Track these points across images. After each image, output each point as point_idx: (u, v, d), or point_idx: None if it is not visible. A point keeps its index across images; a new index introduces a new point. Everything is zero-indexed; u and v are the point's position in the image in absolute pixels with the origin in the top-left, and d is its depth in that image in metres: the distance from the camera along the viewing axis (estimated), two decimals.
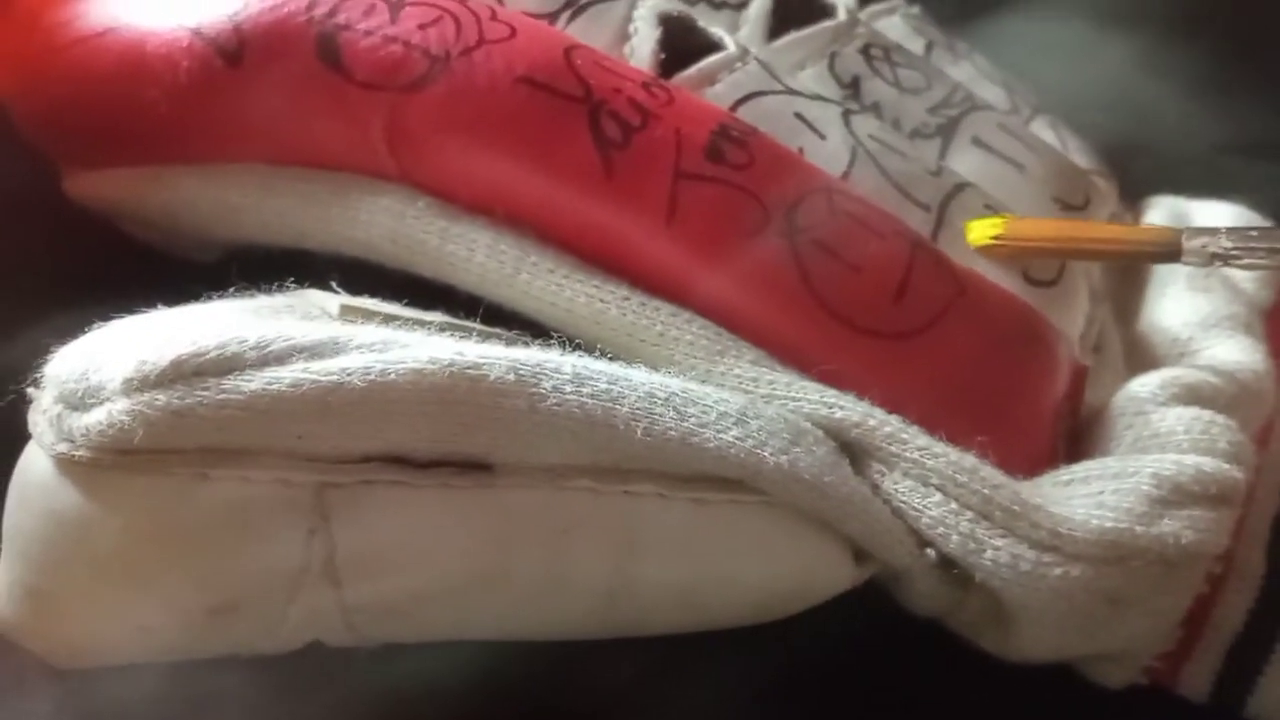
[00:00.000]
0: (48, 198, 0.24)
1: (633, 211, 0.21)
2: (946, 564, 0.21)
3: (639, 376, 0.20)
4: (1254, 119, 0.34)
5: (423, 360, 0.18)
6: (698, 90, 0.23)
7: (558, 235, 0.21)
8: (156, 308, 0.19)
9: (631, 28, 0.24)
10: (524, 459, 0.19)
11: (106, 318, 0.19)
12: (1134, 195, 0.30)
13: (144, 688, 0.19)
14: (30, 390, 0.19)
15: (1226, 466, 0.21)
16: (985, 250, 0.23)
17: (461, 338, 0.20)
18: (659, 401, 0.19)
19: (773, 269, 0.21)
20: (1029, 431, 0.22)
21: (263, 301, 0.20)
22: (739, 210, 0.21)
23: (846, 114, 0.24)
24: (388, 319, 0.20)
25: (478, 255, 0.22)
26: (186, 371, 0.17)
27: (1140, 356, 0.25)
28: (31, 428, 0.18)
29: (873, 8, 0.29)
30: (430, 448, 0.18)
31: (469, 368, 0.18)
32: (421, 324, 0.20)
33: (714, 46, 0.24)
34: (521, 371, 0.19)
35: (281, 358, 0.18)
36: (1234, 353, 0.24)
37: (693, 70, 0.24)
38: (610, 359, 0.20)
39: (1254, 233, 0.23)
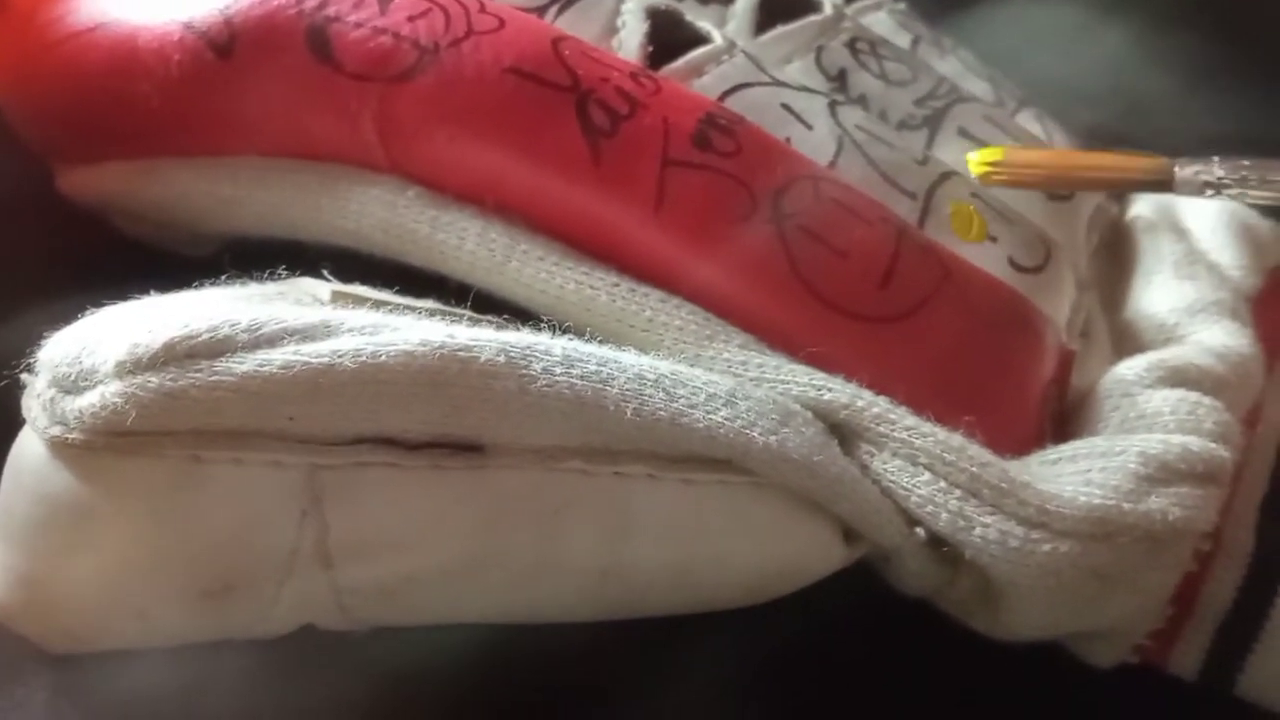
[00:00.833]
0: (42, 190, 0.24)
1: (621, 199, 0.21)
2: (936, 543, 0.21)
3: (629, 359, 0.20)
4: (1242, 111, 0.34)
5: (414, 342, 0.18)
6: (685, 82, 0.24)
7: (547, 223, 0.22)
8: (150, 296, 0.19)
9: (619, 21, 0.24)
10: (515, 440, 0.19)
11: (100, 305, 0.19)
12: None
13: (139, 672, 0.19)
14: (24, 376, 0.19)
15: (1213, 446, 0.21)
16: (984, 178, 0.23)
17: (452, 323, 0.20)
18: (648, 383, 0.19)
19: (760, 255, 0.21)
20: (1016, 413, 0.22)
21: (254, 289, 0.20)
22: (727, 197, 0.21)
23: (833, 105, 0.25)
24: (378, 305, 0.20)
25: (468, 244, 0.22)
26: (179, 354, 0.17)
27: (1127, 342, 0.25)
28: (25, 412, 0.18)
29: (859, 3, 0.30)
30: (422, 429, 0.19)
31: (460, 350, 0.18)
32: (412, 310, 0.20)
33: (701, 40, 0.25)
34: (512, 353, 0.19)
35: (273, 340, 0.18)
36: (1220, 337, 0.24)
37: (680, 62, 0.24)
38: (600, 344, 0.21)
39: (1246, 163, 0.23)
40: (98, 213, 0.25)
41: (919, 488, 0.20)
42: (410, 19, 0.22)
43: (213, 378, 0.17)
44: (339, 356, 0.18)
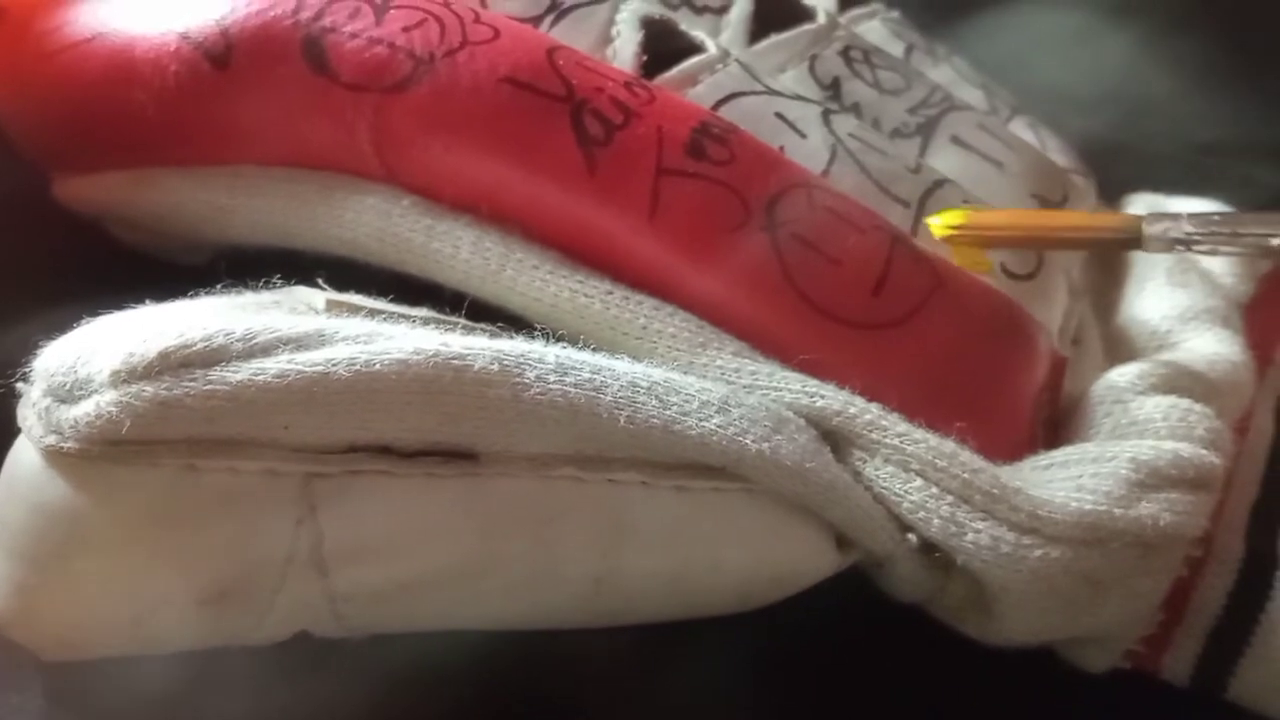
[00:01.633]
0: (38, 199, 0.24)
1: (615, 207, 0.21)
2: (928, 549, 0.21)
3: (622, 366, 0.20)
4: (1235, 118, 0.34)
5: (407, 351, 0.18)
6: (679, 91, 0.24)
7: (541, 232, 0.22)
8: (145, 305, 0.20)
9: (614, 31, 0.25)
10: (508, 448, 0.19)
11: (96, 314, 0.19)
12: (1114, 194, 0.30)
13: (134, 679, 0.19)
14: (19, 385, 0.19)
15: (1204, 452, 0.21)
16: (949, 240, 0.23)
17: (446, 331, 0.20)
18: (642, 390, 0.20)
19: (754, 262, 0.21)
20: (1008, 420, 0.22)
21: (250, 297, 0.20)
22: (721, 205, 0.22)
23: (826, 113, 0.25)
24: (373, 313, 0.20)
25: (462, 252, 0.22)
26: (173, 363, 0.17)
27: (1119, 348, 0.25)
28: (20, 421, 0.18)
29: (853, 12, 0.30)
30: (416, 437, 0.19)
31: (453, 358, 0.18)
32: (407, 319, 0.20)
33: (695, 49, 0.25)
34: (505, 361, 0.19)
35: (267, 349, 0.18)
36: (1212, 344, 0.24)
37: (674, 71, 0.24)
38: (594, 352, 0.21)
39: (1215, 217, 0.23)
40: (94, 221, 0.25)
41: (911, 494, 0.20)
42: (405, 29, 0.22)
43: (207, 387, 0.17)
44: (333, 365, 0.18)
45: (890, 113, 0.26)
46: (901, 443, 0.20)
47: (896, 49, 0.29)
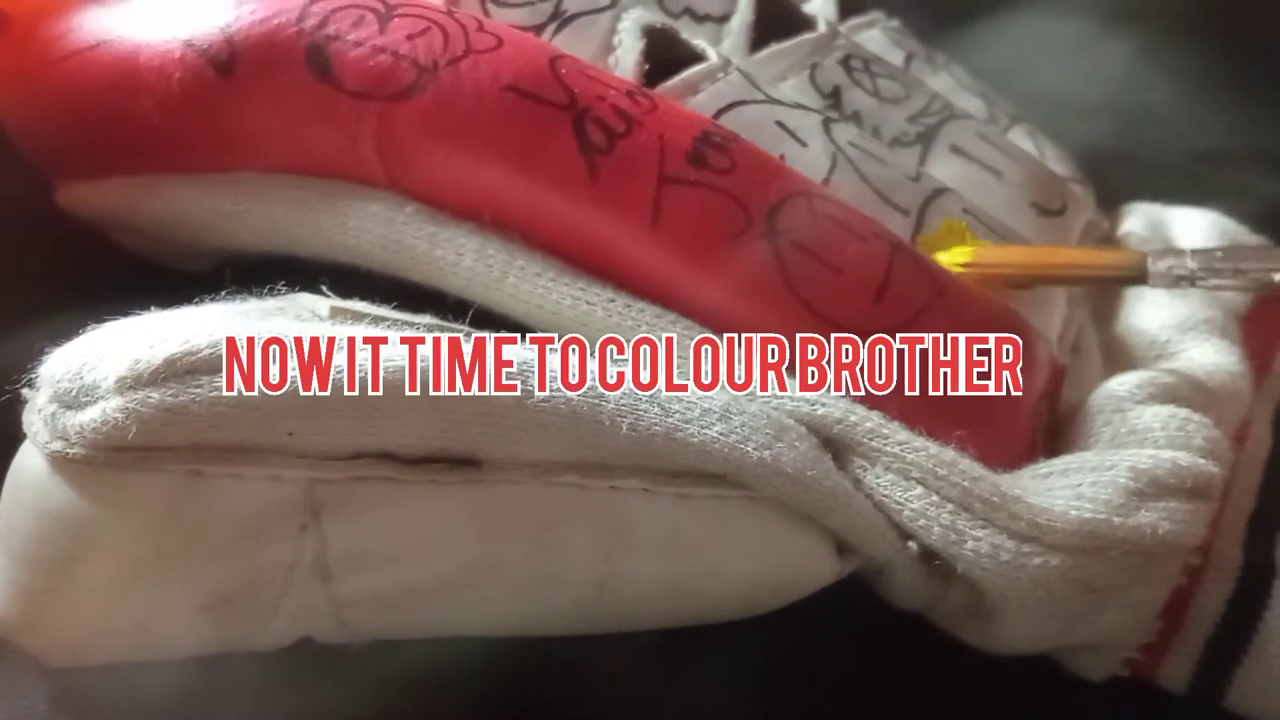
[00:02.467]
0: (43, 206, 0.24)
1: (617, 215, 0.22)
2: (928, 557, 0.21)
3: None
4: (1233, 127, 0.34)
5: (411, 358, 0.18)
6: (681, 99, 0.24)
7: (544, 239, 0.22)
8: (150, 311, 0.20)
9: (616, 39, 0.25)
10: (511, 455, 0.19)
11: (101, 321, 0.19)
12: (1112, 203, 0.30)
13: (138, 684, 0.19)
14: (25, 391, 0.19)
15: (1202, 461, 0.21)
16: None
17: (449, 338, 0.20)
18: (644, 398, 0.20)
19: (755, 270, 0.22)
20: (1007, 428, 0.22)
21: (254, 304, 0.20)
22: (722, 213, 0.22)
23: (827, 122, 0.25)
24: (377, 320, 0.20)
25: (466, 259, 0.22)
26: (179, 370, 0.18)
27: (1118, 357, 0.25)
28: (26, 427, 0.18)
29: (853, 21, 0.30)
30: (419, 444, 0.19)
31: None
32: (410, 325, 0.20)
33: (697, 58, 0.25)
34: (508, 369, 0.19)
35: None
36: (1210, 354, 0.25)
37: (676, 80, 0.24)
38: None
39: (1219, 254, 0.23)
40: (98, 228, 0.25)
41: (911, 502, 0.20)
42: (409, 38, 0.22)
43: (213, 393, 0.18)
44: (338, 372, 0.18)
45: (890, 121, 0.26)
46: (902, 451, 0.20)
47: (896, 58, 0.30)
